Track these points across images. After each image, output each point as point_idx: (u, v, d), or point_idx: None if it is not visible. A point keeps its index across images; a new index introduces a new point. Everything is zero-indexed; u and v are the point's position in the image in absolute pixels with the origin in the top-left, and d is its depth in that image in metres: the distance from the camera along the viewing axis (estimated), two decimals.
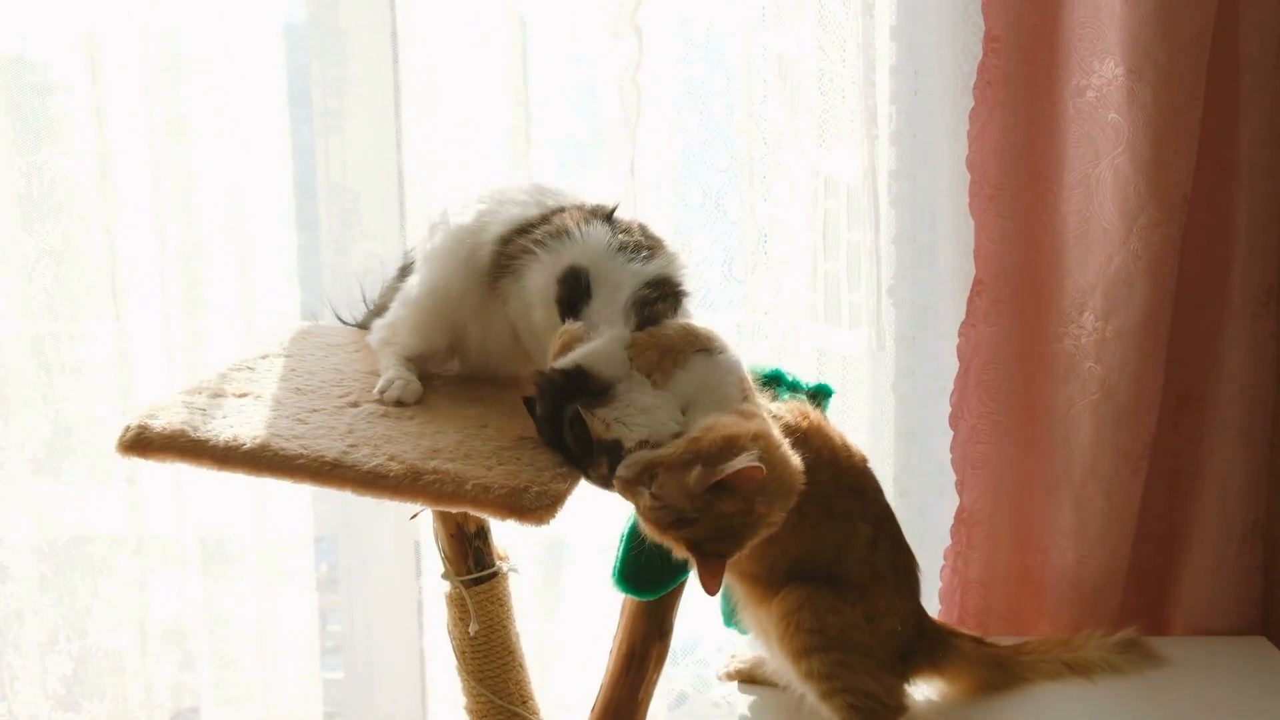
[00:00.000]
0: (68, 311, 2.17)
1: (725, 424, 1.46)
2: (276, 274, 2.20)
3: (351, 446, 1.54)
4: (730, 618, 1.85)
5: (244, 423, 1.58)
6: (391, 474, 1.50)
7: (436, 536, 1.67)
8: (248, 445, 1.53)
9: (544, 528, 2.16)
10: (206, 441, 1.53)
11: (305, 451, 1.52)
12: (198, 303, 2.17)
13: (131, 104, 2.11)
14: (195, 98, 2.13)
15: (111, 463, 2.21)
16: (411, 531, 2.27)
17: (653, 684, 1.78)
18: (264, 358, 1.81)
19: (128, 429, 1.54)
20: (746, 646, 1.95)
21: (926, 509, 2.16)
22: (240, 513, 2.26)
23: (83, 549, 2.25)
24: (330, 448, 1.54)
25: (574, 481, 1.54)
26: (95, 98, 2.12)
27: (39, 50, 2.15)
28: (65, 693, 2.25)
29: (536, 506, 1.47)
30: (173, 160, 2.14)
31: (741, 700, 1.89)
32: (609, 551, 1.74)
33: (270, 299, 2.17)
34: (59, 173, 2.12)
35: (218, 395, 1.65)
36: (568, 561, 2.38)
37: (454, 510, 1.52)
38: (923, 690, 1.80)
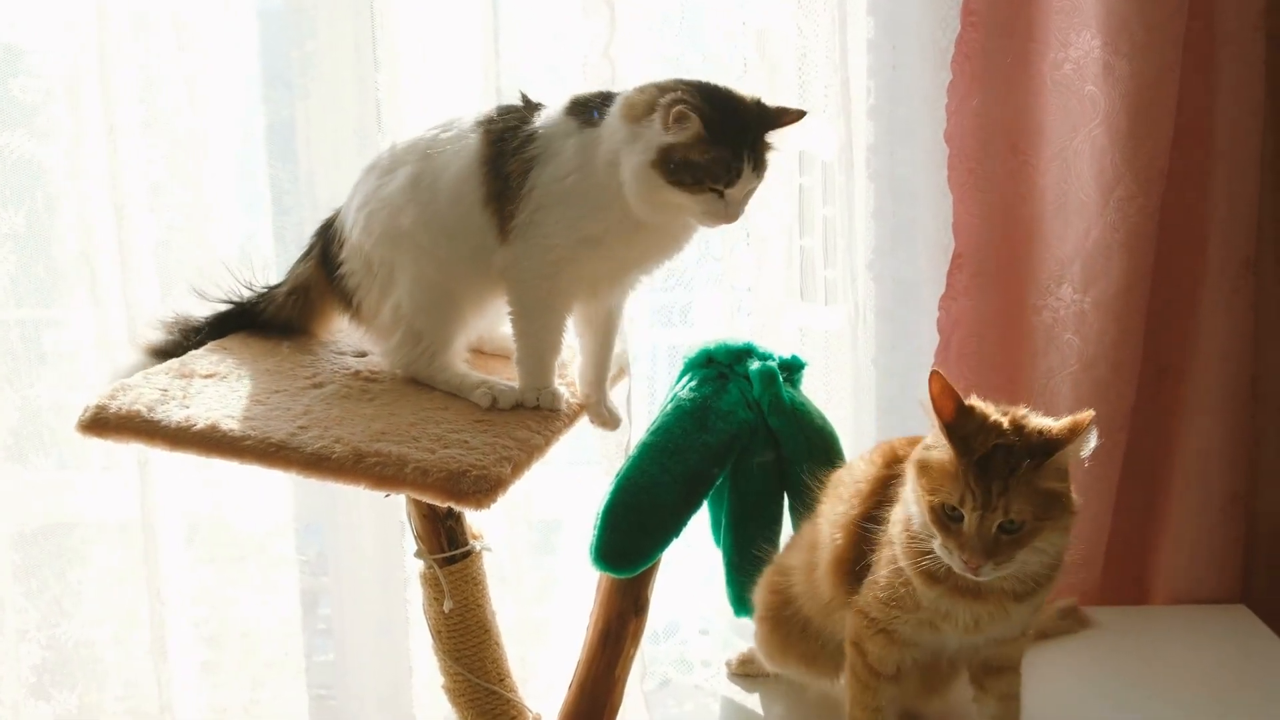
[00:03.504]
0: (33, 298, 2.16)
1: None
2: (256, 256, 2.20)
3: (301, 428, 1.54)
4: (741, 605, 1.84)
5: (203, 404, 1.58)
6: (334, 456, 1.50)
7: (410, 516, 1.67)
8: (198, 426, 1.53)
9: (523, 510, 2.24)
10: (160, 422, 1.54)
11: (253, 433, 1.53)
12: (172, 288, 2.17)
13: (99, 87, 2.10)
14: (168, 79, 2.12)
15: (96, 450, 2.22)
16: (397, 513, 2.28)
17: (629, 660, 1.79)
18: (241, 337, 1.80)
19: (86, 409, 1.56)
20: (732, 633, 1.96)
21: None
22: (230, 498, 2.27)
23: (66, 536, 2.27)
24: (279, 429, 1.54)
25: (519, 467, 1.54)
26: (66, 81, 2.11)
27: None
28: (37, 679, 2.27)
29: (475, 491, 1.46)
30: (144, 144, 2.13)
31: (723, 682, 1.90)
32: None
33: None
34: (22, 156, 2.11)
35: (185, 376, 1.65)
36: (560, 543, 2.38)
37: (396, 493, 1.52)
38: None
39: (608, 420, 1.76)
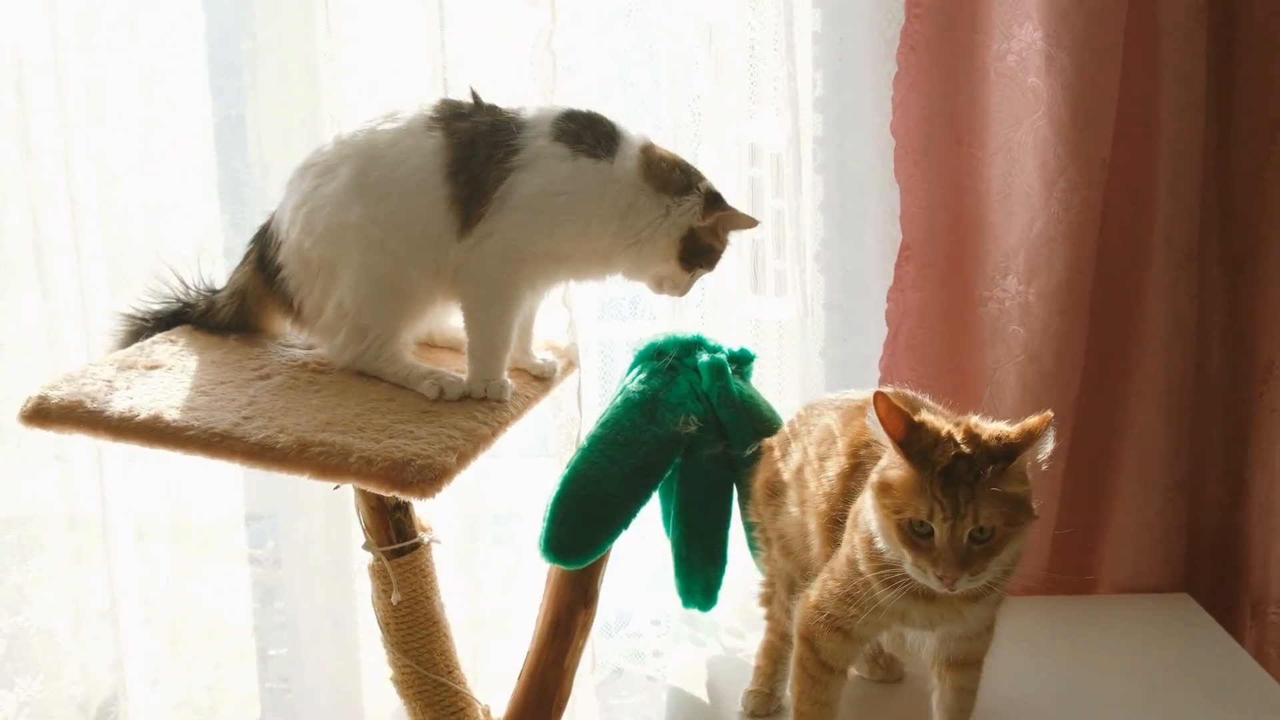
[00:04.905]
0: None
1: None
2: (206, 247, 2.19)
3: (245, 419, 1.54)
4: (688, 596, 1.84)
5: (146, 394, 1.57)
6: (279, 446, 1.50)
7: (358, 509, 1.67)
8: (141, 417, 1.53)
9: (480, 503, 2.24)
10: (102, 412, 1.53)
11: (197, 423, 1.52)
12: (124, 281, 2.16)
13: (53, 76, 2.08)
14: (120, 70, 2.12)
15: (49, 442, 2.21)
16: (349, 506, 2.27)
17: (579, 651, 1.79)
18: (188, 330, 1.80)
19: (29, 399, 1.55)
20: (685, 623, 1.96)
21: None
22: (185, 491, 2.26)
23: (27, 525, 2.25)
24: (223, 420, 1.53)
25: (465, 457, 1.54)
26: (15, 71, 2.10)
27: None
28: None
29: (419, 480, 1.46)
30: (96, 135, 2.12)
31: (673, 672, 1.90)
32: None
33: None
34: None
35: (129, 367, 1.64)
36: (517, 535, 2.38)
37: (342, 482, 1.52)
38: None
39: (542, 368, 1.83)
